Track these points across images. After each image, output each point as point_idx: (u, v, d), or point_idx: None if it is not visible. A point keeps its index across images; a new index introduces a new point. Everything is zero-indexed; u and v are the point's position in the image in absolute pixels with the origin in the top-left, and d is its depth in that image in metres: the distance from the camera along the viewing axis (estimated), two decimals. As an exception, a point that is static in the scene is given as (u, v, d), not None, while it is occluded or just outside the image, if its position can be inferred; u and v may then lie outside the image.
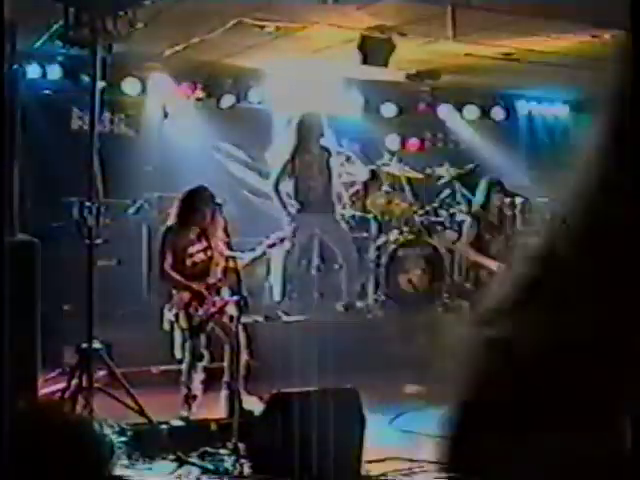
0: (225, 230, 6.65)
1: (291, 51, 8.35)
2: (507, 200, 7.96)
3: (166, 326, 6.58)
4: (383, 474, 5.39)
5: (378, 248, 9.43)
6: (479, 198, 8.34)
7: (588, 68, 8.69)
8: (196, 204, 6.66)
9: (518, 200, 7.25)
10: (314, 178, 8.96)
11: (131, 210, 9.11)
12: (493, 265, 8.13)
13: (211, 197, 6.65)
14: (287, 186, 8.94)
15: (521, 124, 11.26)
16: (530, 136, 10.90)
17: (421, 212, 9.77)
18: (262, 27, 7.39)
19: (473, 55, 8.38)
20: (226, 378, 6.51)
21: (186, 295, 6.51)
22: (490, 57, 8.46)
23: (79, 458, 3.11)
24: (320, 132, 8.89)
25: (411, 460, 5.63)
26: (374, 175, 9.78)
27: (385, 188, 9.71)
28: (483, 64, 8.75)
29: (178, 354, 6.56)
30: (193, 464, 5.43)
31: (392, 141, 10.60)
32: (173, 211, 6.75)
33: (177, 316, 6.49)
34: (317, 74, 9.64)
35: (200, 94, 9.81)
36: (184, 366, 6.56)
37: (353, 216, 9.52)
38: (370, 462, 5.40)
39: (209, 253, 6.69)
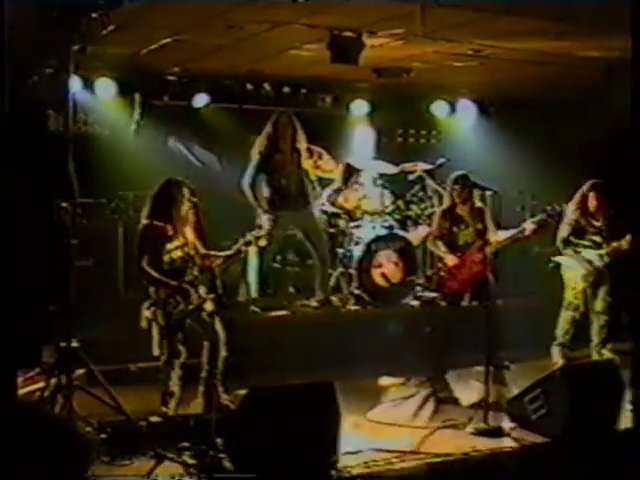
0: (201, 227, 6.71)
1: (261, 50, 8.39)
2: (476, 193, 8.05)
3: (144, 323, 6.57)
4: (359, 465, 5.46)
5: (351, 243, 9.52)
6: (446, 192, 8.44)
7: (555, 64, 8.85)
8: (173, 197, 6.68)
9: (487, 193, 7.35)
10: (287, 176, 9.07)
11: (107, 210, 9.16)
12: (451, 260, 8.22)
13: (188, 192, 6.70)
14: (261, 184, 9.03)
15: (490, 119, 11.37)
16: (499, 131, 11.00)
17: (393, 207, 9.88)
18: (232, 27, 7.43)
19: (442, 52, 8.46)
20: (203, 374, 6.58)
21: (164, 292, 6.52)
22: (459, 54, 8.54)
23: (59, 456, 3.18)
24: (293, 131, 9.01)
25: (387, 451, 5.75)
26: (346, 171, 9.86)
27: (357, 184, 9.81)
28: (452, 61, 8.84)
29: (156, 351, 6.59)
30: (172, 460, 5.48)
31: (363, 137, 10.65)
32: (149, 206, 6.71)
33: (155, 313, 6.50)
34: (288, 73, 9.70)
35: (173, 93, 9.84)
36: (162, 363, 6.62)
37: (326, 212, 9.61)
38: (346, 454, 5.48)
39: (186, 250, 6.70)
